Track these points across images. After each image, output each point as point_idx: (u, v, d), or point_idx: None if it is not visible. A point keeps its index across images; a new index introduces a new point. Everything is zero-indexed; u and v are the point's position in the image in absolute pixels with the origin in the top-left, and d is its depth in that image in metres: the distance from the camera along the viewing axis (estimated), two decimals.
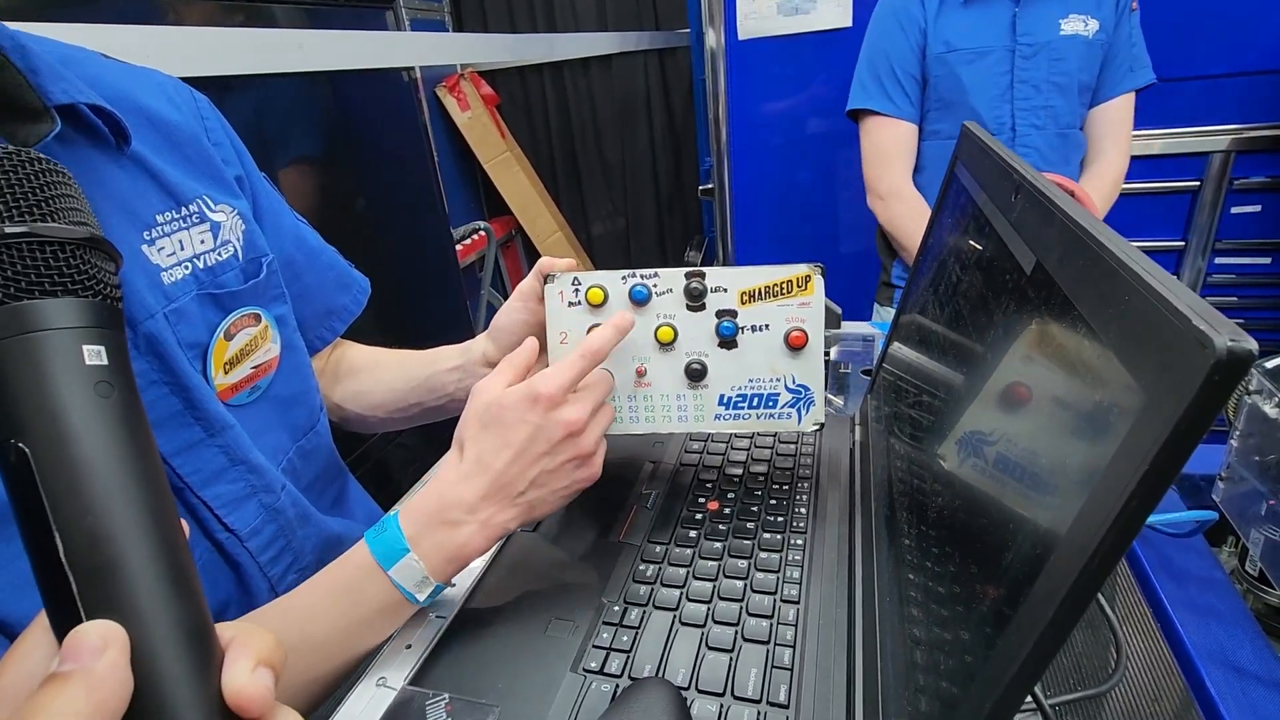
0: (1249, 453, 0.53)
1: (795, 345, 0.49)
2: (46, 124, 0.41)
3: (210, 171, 0.54)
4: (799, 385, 0.50)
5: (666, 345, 0.51)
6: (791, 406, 0.50)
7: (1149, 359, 0.18)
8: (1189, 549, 0.55)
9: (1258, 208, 1.50)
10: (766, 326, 0.50)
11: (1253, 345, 0.15)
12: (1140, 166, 1.56)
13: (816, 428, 0.51)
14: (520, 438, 0.46)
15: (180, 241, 0.49)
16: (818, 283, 0.49)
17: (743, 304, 0.50)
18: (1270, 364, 0.55)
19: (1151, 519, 0.52)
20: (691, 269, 0.50)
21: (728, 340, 0.50)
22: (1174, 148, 1.52)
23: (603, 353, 0.48)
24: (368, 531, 0.46)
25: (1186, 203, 1.54)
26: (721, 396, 0.51)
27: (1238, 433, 0.54)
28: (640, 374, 0.52)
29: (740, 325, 0.50)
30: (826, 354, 0.84)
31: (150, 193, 0.49)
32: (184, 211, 0.50)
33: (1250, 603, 0.55)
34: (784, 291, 0.49)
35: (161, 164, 0.50)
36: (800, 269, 0.49)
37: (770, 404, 0.50)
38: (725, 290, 0.50)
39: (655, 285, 0.51)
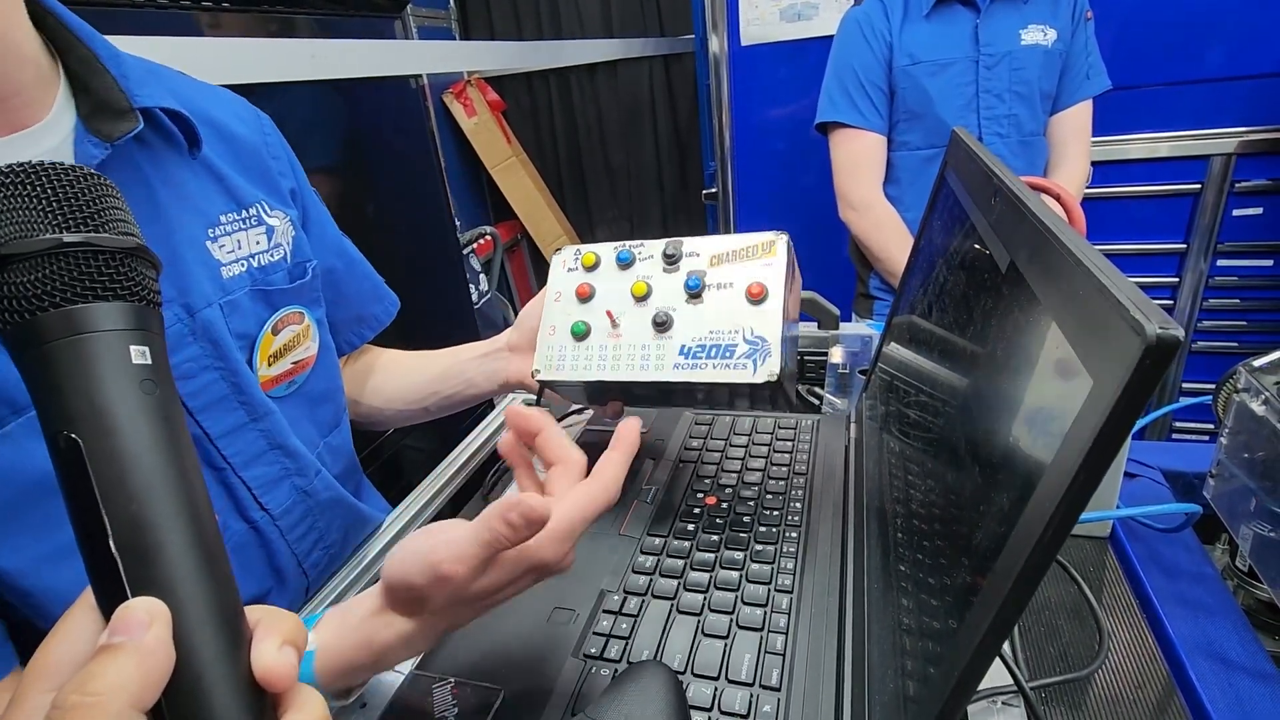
0: (1238, 450, 0.54)
1: (754, 297, 0.52)
2: (131, 122, 0.45)
3: (268, 181, 0.59)
4: (756, 337, 0.51)
5: (640, 299, 0.55)
6: (747, 357, 0.51)
7: (1095, 347, 0.20)
8: (1179, 545, 0.56)
9: (1259, 210, 1.50)
10: (731, 284, 0.53)
11: (1179, 332, 0.17)
12: (1142, 169, 1.57)
13: (769, 378, 0.50)
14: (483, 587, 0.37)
15: (239, 241, 0.53)
16: (780, 246, 0.53)
17: (712, 265, 0.54)
18: (1258, 363, 0.57)
19: (1138, 512, 0.53)
20: (672, 238, 0.56)
21: (694, 293, 0.53)
22: (1176, 151, 1.53)
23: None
24: None
25: (1188, 205, 1.55)
26: (682, 347, 0.53)
27: (1227, 430, 0.55)
28: (613, 323, 0.55)
29: (707, 282, 0.54)
30: (824, 354, 0.86)
31: (216, 194, 0.53)
32: (244, 214, 0.54)
33: (1241, 598, 0.56)
34: (750, 255, 0.53)
35: (226, 169, 0.54)
36: (766, 235, 0.54)
37: (727, 354, 0.51)
38: (699, 255, 0.55)
39: (640, 252, 0.56)
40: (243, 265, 0.53)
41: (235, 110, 0.59)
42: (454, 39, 2.64)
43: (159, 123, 0.49)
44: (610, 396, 0.61)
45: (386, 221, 1.42)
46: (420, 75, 1.51)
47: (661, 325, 0.53)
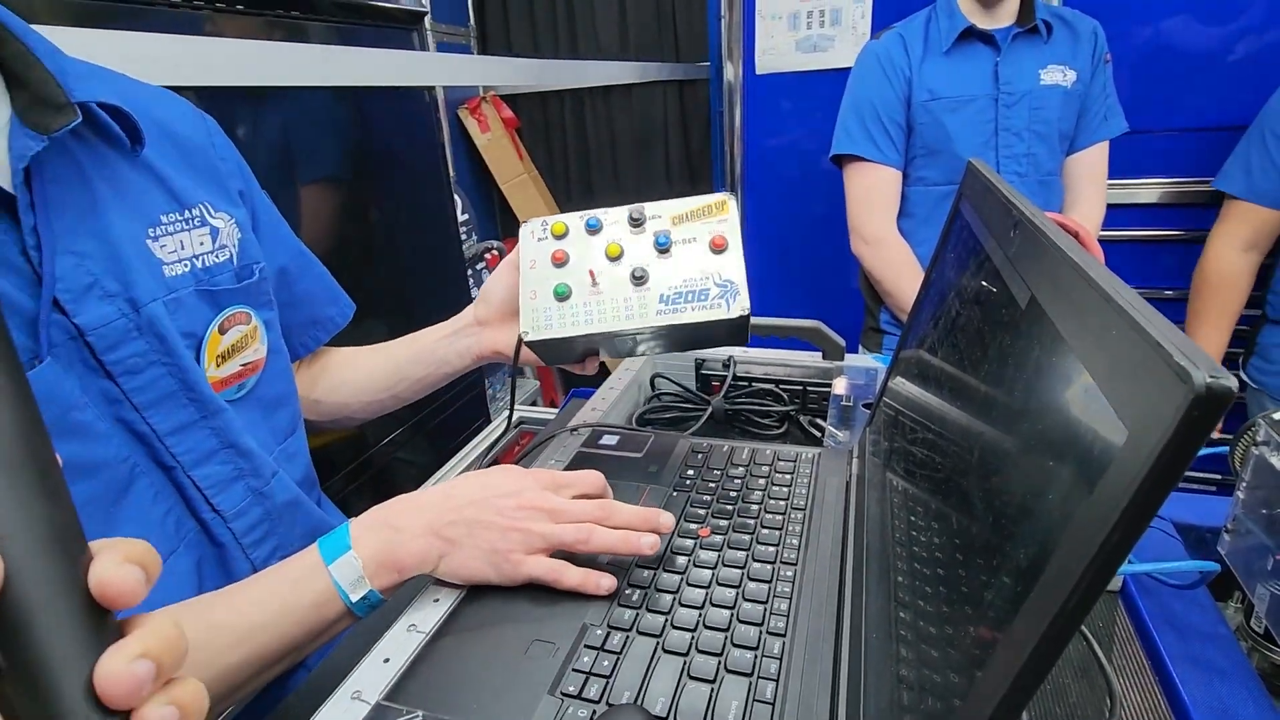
0: (1256, 505, 0.52)
1: (717, 248, 0.60)
2: (68, 115, 0.45)
3: (214, 181, 0.58)
4: (725, 280, 0.59)
5: (615, 259, 0.61)
6: (720, 298, 0.59)
7: (1132, 394, 0.18)
8: (1193, 602, 0.54)
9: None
10: (694, 239, 0.61)
11: (1233, 382, 0.15)
12: (1151, 214, 1.56)
13: (744, 313, 0.58)
14: (494, 482, 0.51)
15: (181, 241, 0.53)
16: (731, 205, 0.61)
17: (674, 224, 0.61)
18: (1277, 415, 0.54)
19: (1152, 568, 0.51)
20: (632, 205, 0.62)
21: (663, 249, 0.60)
22: (1186, 197, 1.52)
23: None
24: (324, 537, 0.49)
25: (1198, 252, 1.53)
26: (661, 295, 0.59)
27: (1244, 485, 0.52)
28: (594, 281, 0.60)
29: (674, 238, 0.61)
30: (828, 385, 0.84)
31: (157, 194, 0.52)
32: (187, 215, 0.54)
33: (1255, 661, 0.53)
34: (706, 214, 0.61)
35: (169, 170, 0.54)
36: (717, 196, 0.62)
37: (702, 297, 0.59)
38: (660, 217, 0.62)
39: (605, 218, 0.62)
40: (186, 265, 0.53)
41: (181, 110, 0.59)
42: (472, 54, 2.66)
43: (99, 120, 0.48)
44: (592, 352, 0.65)
45: (392, 233, 1.41)
46: (434, 87, 1.52)
47: (639, 279, 0.59)
